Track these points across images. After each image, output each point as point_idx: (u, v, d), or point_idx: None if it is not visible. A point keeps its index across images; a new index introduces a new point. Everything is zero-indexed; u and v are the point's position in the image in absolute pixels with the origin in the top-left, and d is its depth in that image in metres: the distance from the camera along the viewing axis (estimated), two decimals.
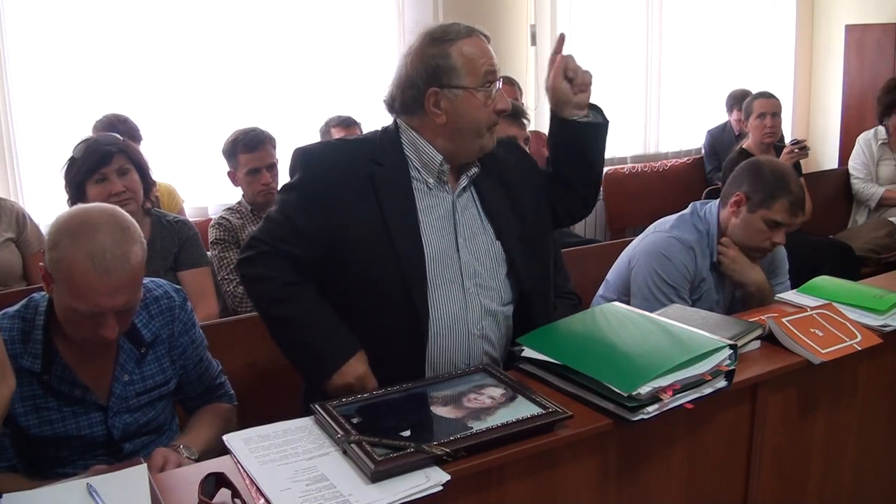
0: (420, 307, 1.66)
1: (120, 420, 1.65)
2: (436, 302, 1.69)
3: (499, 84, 1.72)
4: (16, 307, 1.63)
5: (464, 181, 1.78)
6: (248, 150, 2.87)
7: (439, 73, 1.67)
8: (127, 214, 1.57)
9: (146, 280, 1.73)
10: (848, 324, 1.89)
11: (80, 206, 1.58)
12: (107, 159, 2.38)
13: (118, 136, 2.58)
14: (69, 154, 2.45)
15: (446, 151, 1.73)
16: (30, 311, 1.61)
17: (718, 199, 2.39)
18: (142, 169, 2.49)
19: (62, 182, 2.44)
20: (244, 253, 1.73)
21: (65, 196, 2.47)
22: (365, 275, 1.68)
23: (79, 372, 1.61)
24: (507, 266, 1.79)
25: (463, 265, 1.73)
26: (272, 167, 2.90)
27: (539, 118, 4.83)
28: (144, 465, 1.35)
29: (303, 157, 1.74)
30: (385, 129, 1.79)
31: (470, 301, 1.72)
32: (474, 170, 1.79)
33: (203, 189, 3.86)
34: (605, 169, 4.94)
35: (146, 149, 3.21)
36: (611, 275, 2.51)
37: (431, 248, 1.70)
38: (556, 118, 1.83)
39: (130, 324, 1.62)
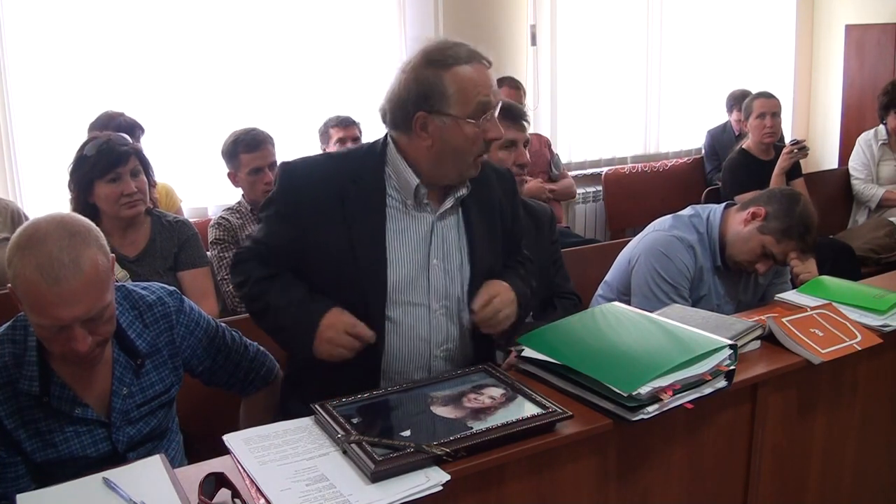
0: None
1: (124, 434, 1.61)
2: (400, 321, 1.69)
3: (494, 112, 1.66)
4: (2, 329, 1.57)
5: (450, 202, 1.73)
6: (250, 149, 2.87)
7: (430, 96, 1.61)
8: (81, 220, 1.49)
9: (139, 286, 1.70)
10: (848, 324, 1.89)
11: (33, 219, 1.48)
12: (123, 159, 2.39)
13: (127, 136, 2.58)
14: (70, 154, 2.44)
15: (428, 174, 1.69)
16: (18, 333, 1.55)
17: (723, 204, 2.39)
18: (147, 171, 2.50)
19: (65, 180, 2.43)
20: (231, 270, 1.81)
21: (65, 195, 2.46)
22: (327, 293, 1.67)
23: (77, 390, 1.56)
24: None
25: (432, 287, 1.71)
26: (273, 166, 2.91)
27: (538, 119, 4.84)
28: (158, 457, 1.36)
29: (283, 172, 1.75)
30: (374, 144, 1.76)
31: (435, 323, 1.71)
32: (463, 191, 1.75)
33: (203, 189, 3.86)
34: (606, 169, 4.98)
35: (145, 149, 3.19)
36: (610, 275, 2.51)
37: (396, 272, 1.68)
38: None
39: (111, 333, 1.54)
